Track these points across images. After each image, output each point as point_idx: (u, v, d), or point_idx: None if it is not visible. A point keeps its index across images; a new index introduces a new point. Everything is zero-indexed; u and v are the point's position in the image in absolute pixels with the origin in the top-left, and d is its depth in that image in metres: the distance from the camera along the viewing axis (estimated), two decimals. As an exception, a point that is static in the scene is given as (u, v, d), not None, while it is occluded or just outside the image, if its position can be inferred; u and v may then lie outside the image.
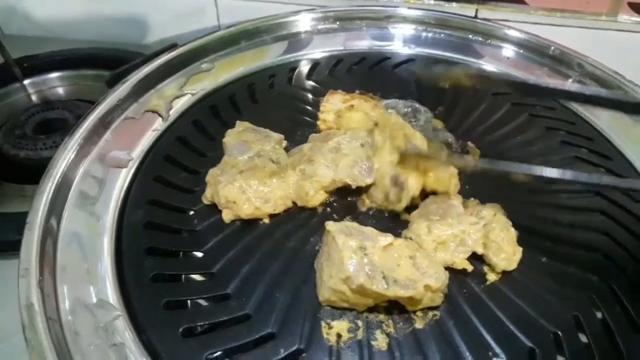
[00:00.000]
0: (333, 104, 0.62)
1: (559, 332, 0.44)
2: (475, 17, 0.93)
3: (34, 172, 0.75)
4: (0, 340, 0.58)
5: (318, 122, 0.62)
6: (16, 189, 0.78)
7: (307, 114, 0.67)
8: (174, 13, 1.08)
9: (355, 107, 0.61)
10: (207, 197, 0.53)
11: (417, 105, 0.66)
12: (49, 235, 0.49)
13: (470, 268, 0.48)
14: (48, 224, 0.49)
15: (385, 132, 0.55)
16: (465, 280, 0.48)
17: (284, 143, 0.59)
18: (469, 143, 0.61)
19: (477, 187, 0.56)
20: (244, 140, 0.55)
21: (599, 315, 0.46)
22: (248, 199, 0.50)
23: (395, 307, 0.45)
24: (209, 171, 0.53)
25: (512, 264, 0.48)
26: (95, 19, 1.10)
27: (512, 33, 0.79)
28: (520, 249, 0.49)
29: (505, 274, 0.48)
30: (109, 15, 1.10)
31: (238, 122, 0.58)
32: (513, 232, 0.50)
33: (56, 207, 0.52)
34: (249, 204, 0.50)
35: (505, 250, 0.48)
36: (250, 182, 0.51)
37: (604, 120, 0.67)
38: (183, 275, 0.49)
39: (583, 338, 0.45)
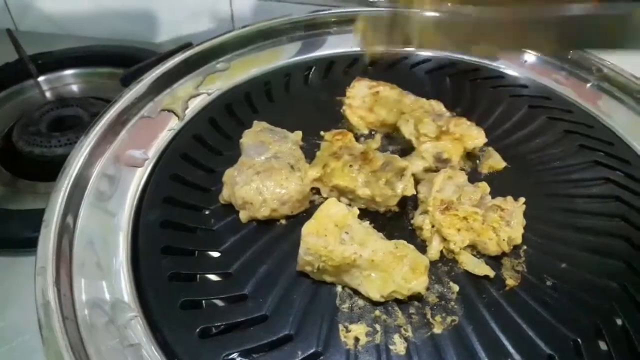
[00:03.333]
0: (359, 89, 0.63)
1: (579, 339, 0.44)
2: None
3: (48, 169, 0.76)
4: (14, 336, 0.58)
5: (344, 107, 0.64)
6: (28, 185, 0.78)
7: (323, 113, 0.66)
8: (188, 12, 1.08)
9: (380, 93, 0.61)
10: (223, 198, 0.52)
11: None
12: (65, 233, 0.49)
13: (492, 274, 0.47)
14: (64, 223, 0.50)
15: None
16: (485, 286, 0.47)
17: (301, 142, 0.59)
18: (489, 147, 0.60)
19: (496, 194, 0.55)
20: (261, 141, 0.55)
21: (619, 322, 0.46)
22: (265, 200, 0.50)
23: (413, 309, 0.45)
24: (226, 171, 0.53)
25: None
26: (108, 16, 1.11)
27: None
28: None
29: (524, 279, 0.48)
30: (122, 13, 1.10)
31: (255, 122, 0.58)
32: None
33: (72, 206, 0.52)
34: (266, 206, 0.50)
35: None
36: (267, 183, 0.50)
37: (622, 123, 0.66)
38: (200, 275, 0.48)
39: (603, 345, 0.44)
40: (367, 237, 0.46)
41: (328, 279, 0.47)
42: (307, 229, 0.45)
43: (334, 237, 0.45)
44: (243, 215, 0.51)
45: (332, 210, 0.46)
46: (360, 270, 0.45)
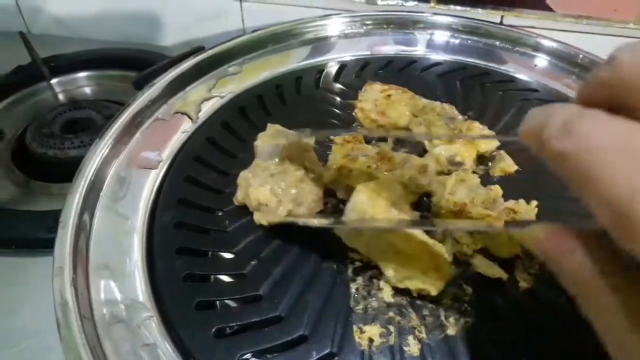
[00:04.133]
0: (371, 93, 0.64)
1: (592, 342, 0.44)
2: (501, 23, 0.93)
3: (61, 171, 0.77)
4: (24, 338, 0.59)
5: (355, 111, 0.64)
6: (42, 187, 0.79)
7: (335, 116, 0.67)
8: (199, 15, 1.09)
9: (392, 96, 0.62)
10: (237, 199, 0.53)
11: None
12: (82, 234, 0.50)
13: (505, 276, 0.48)
14: (81, 223, 0.50)
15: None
16: (498, 288, 0.48)
17: (314, 145, 0.59)
18: (501, 151, 0.60)
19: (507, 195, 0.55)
20: (275, 144, 0.55)
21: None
22: (280, 201, 0.50)
23: (427, 311, 0.45)
24: (240, 174, 0.53)
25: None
26: (118, 20, 1.12)
27: (542, 41, 0.79)
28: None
29: (537, 280, 0.48)
30: (132, 17, 1.11)
31: (269, 125, 0.58)
32: None
33: (88, 206, 0.52)
34: (282, 207, 0.50)
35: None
36: (282, 184, 0.51)
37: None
38: (214, 276, 0.49)
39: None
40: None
41: (359, 245, 0.48)
42: (363, 187, 0.46)
43: (384, 207, 0.46)
44: (258, 217, 0.51)
45: (392, 186, 0.48)
46: (391, 246, 0.45)
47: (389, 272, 0.45)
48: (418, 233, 0.46)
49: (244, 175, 0.53)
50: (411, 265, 0.45)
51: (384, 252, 0.46)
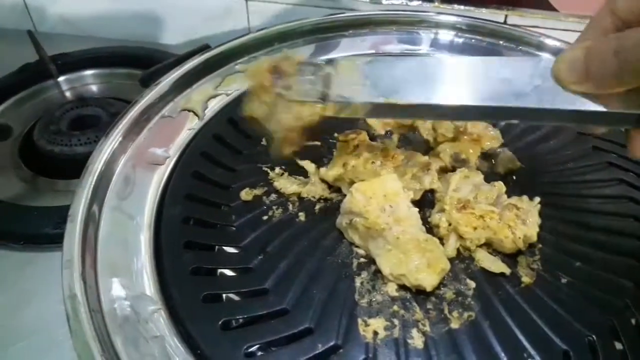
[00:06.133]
0: None
1: (594, 337, 0.44)
2: (505, 22, 0.93)
3: (68, 168, 0.78)
4: (31, 333, 0.60)
5: None
6: (49, 183, 0.80)
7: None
8: (204, 14, 1.09)
9: None
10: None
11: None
12: (90, 227, 0.50)
13: (508, 271, 0.48)
14: (89, 217, 0.51)
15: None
16: (501, 283, 0.48)
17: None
18: (505, 148, 0.61)
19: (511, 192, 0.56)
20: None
21: (633, 321, 0.46)
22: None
23: (431, 305, 0.46)
24: None
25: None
26: (124, 18, 1.12)
27: (545, 40, 0.79)
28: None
29: (539, 277, 0.49)
30: (138, 15, 1.12)
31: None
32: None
33: (96, 201, 0.53)
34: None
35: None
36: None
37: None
38: (221, 270, 0.49)
39: (618, 344, 0.45)
40: (407, 219, 0.48)
41: (357, 240, 0.49)
42: (359, 186, 0.49)
43: (377, 204, 0.48)
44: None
45: (389, 183, 0.50)
46: (385, 243, 0.47)
47: (385, 269, 0.46)
48: (411, 229, 0.47)
49: None
50: (405, 262, 0.46)
51: (379, 248, 0.47)
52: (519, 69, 0.43)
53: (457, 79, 0.45)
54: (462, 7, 0.95)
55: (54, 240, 0.66)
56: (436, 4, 0.97)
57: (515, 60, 0.48)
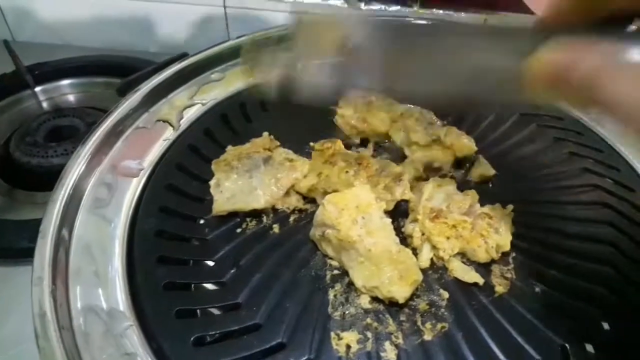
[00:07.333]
0: (351, 99, 0.64)
1: (566, 345, 0.44)
2: (484, 26, 0.93)
3: (45, 180, 0.77)
4: (12, 345, 0.59)
5: (336, 117, 0.64)
6: (26, 195, 0.79)
7: (316, 122, 0.66)
8: (183, 22, 1.09)
9: (372, 102, 0.63)
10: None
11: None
12: (62, 243, 0.50)
13: (481, 281, 0.48)
14: (60, 233, 0.50)
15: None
16: (474, 293, 0.48)
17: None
18: (479, 156, 0.61)
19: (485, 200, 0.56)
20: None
21: (605, 326, 0.46)
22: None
23: (404, 317, 0.46)
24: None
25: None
26: (104, 26, 1.12)
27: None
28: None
29: (513, 286, 0.49)
30: (118, 24, 1.11)
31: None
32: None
33: (68, 216, 0.52)
34: None
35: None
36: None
37: (611, 131, 0.67)
38: (194, 284, 0.49)
39: (590, 349, 0.45)
40: (379, 231, 0.48)
41: (330, 252, 0.49)
42: (331, 197, 0.49)
43: (349, 215, 0.48)
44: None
45: (362, 195, 0.50)
46: (358, 255, 0.47)
47: (358, 281, 0.46)
48: (384, 240, 0.47)
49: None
50: (377, 274, 0.46)
51: (351, 260, 0.47)
52: None
53: None
54: (441, 11, 0.95)
55: (31, 254, 0.65)
56: (415, 9, 0.97)
57: None
